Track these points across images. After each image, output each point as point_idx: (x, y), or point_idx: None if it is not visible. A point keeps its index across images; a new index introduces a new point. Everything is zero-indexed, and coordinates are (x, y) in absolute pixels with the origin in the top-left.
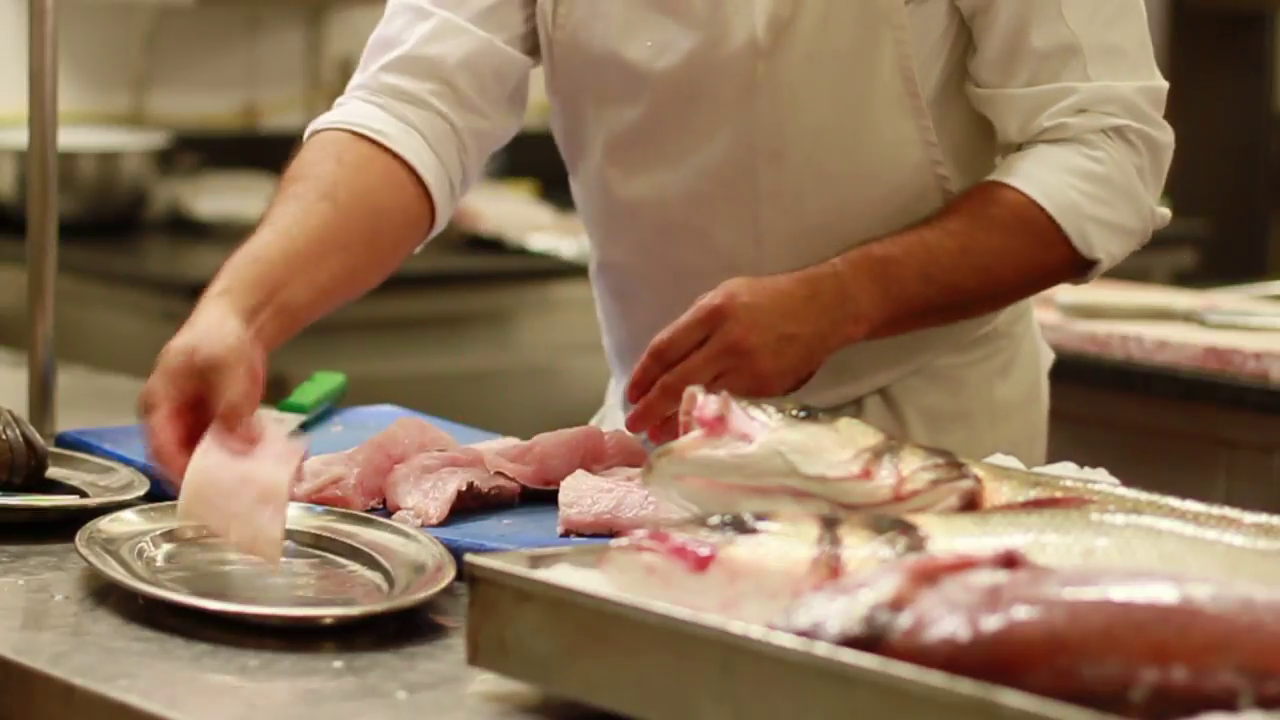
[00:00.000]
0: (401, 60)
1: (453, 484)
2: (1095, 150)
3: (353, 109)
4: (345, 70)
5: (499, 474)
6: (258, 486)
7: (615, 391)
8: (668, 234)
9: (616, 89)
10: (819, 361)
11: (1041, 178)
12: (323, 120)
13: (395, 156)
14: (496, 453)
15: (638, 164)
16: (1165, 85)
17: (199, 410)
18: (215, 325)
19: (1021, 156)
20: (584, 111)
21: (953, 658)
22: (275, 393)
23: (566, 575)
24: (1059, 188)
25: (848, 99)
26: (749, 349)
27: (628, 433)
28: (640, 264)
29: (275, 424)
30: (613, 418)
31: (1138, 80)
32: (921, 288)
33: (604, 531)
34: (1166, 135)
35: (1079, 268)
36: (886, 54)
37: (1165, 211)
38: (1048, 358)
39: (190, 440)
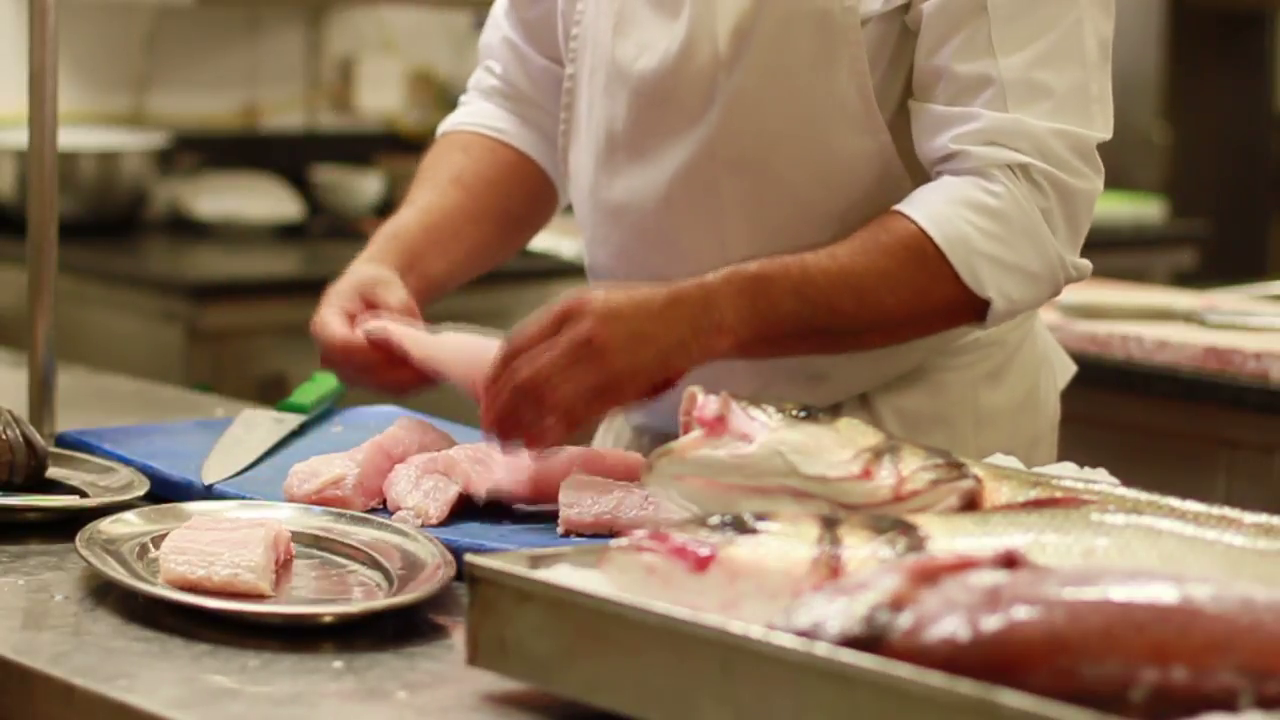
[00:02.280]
0: (492, 80)
1: (454, 488)
2: (994, 185)
3: (474, 109)
4: (345, 70)
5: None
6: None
7: None
8: (643, 239)
9: (606, 87)
10: (678, 369)
11: (935, 208)
12: (450, 121)
13: (514, 150)
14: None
15: (620, 167)
16: (1097, 137)
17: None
18: (371, 269)
19: (924, 187)
20: (580, 112)
21: (953, 658)
22: (275, 393)
23: (566, 575)
24: (950, 218)
25: (805, 112)
26: (600, 344)
27: (628, 453)
28: (621, 269)
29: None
30: (618, 427)
31: (1059, 123)
32: (794, 305)
33: (604, 531)
34: (1085, 184)
35: (974, 307)
36: (843, 70)
37: (1084, 263)
38: (1065, 368)
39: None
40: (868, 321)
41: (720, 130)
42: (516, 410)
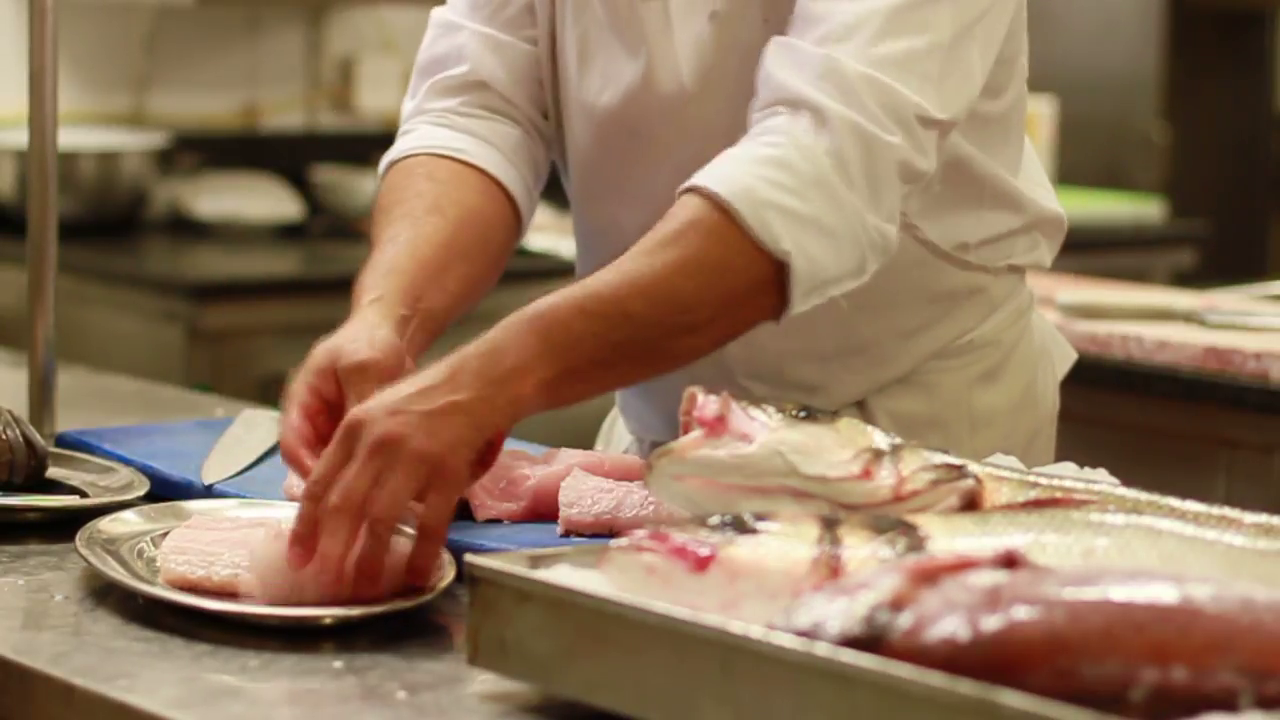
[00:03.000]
0: (452, 80)
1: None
2: (773, 136)
3: (423, 134)
4: (345, 70)
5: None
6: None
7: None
8: None
9: (575, 120)
10: (497, 425)
11: (720, 168)
12: (396, 151)
13: (479, 170)
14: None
15: (597, 194)
16: (919, 106)
17: (335, 412)
18: (366, 331)
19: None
20: (563, 134)
21: (953, 658)
22: (275, 393)
23: (566, 575)
24: (731, 175)
25: None
26: (396, 438)
27: (627, 456)
28: None
29: None
30: (619, 437)
31: (878, 73)
32: (586, 326)
33: (604, 531)
34: (892, 140)
35: (776, 277)
36: None
37: (888, 229)
38: (1065, 357)
39: (319, 440)
40: (671, 322)
41: (695, 161)
42: (343, 544)
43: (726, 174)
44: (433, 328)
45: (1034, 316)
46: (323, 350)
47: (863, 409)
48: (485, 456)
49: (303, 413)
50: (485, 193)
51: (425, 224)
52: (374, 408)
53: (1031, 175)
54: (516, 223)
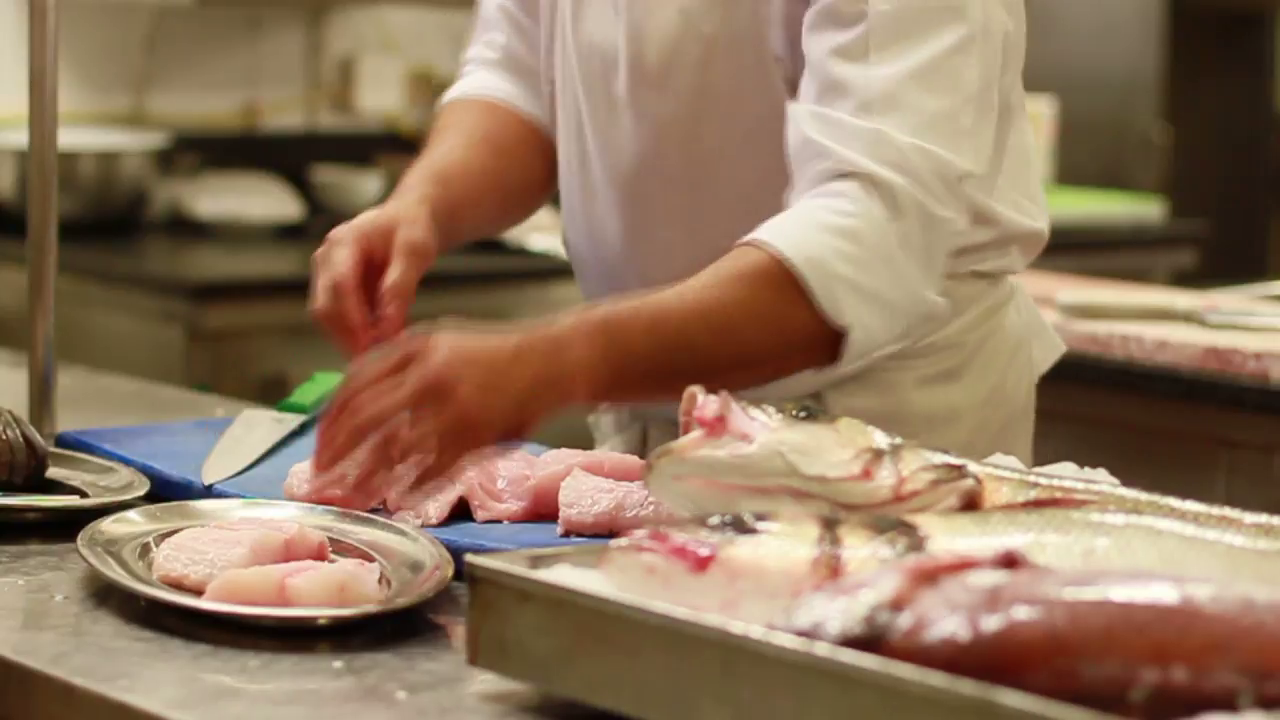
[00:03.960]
0: (494, 43)
1: (455, 491)
2: (849, 203)
3: (481, 79)
4: (345, 70)
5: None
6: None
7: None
8: (603, 238)
9: (564, 69)
10: (534, 416)
11: (789, 231)
12: (457, 90)
13: (527, 119)
14: (495, 477)
15: (574, 154)
16: (963, 169)
17: (373, 275)
18: (422, 218)
19: (777, 216)
20: (557, 113)
21: (953, 658)
22: (275, 393)
23: (566, 575)
24: (805, 240)
25: (736, 131)
26: (449, 386)
27: (626, 456)
28: (589, 255)
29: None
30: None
31: (923, 141)
32: (649, 345)
33: (604, 531)
34: (948, 213)
35: (830, 339)
36: (773, 91)
37: (942, 301)
38: (1050, 349)
39: (359, 306)
40: (727, 357)
41: (659, 146)
42: (353, 452)
43: (798, 239)
44: (450, 241)
45: (1012, 310)
46: (374, 215)
47: (819, 403)
48: (509, 436)
49: (350, 268)
50: (530, 137)
51: (477, 150)
52: (443, 345)
53: (1022, 190)
54: (552, 175)
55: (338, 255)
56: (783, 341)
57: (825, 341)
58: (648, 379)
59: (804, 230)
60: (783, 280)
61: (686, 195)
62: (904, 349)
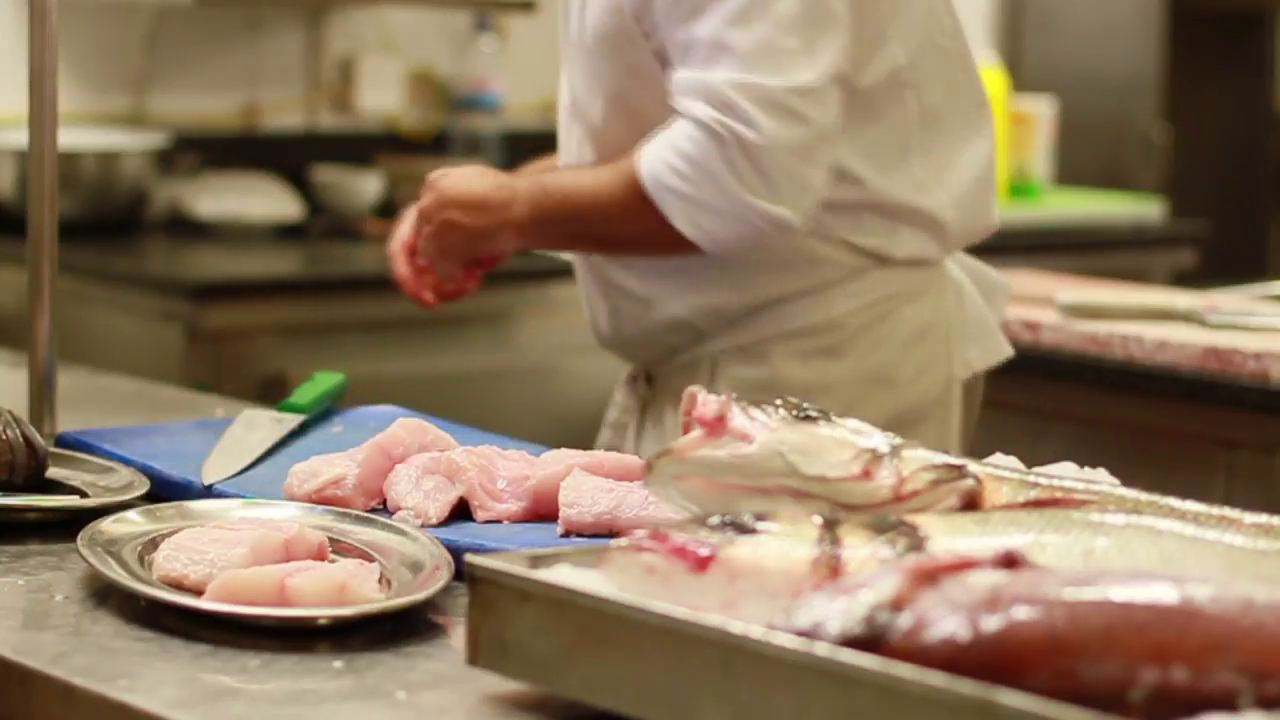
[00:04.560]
0: None
1: (455, 491)
2: (689, 140)
3: None
4: (345, 70)
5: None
6: None
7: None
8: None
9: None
10: (482, 251)
11: (649, 151)
12: None
13: None
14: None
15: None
16: (790, 85)
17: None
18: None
19: (659, 137)
20: None
21: (953, 658)
22: (275, 393)
23: (566, 575)
24: (655, 156)
25: (622, 102)
26: (426, 218)
27: (626, 456)
28: None
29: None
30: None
31: (742, 76)
32: (560, 214)
33: (604, 531)
34: (763, 136)
35: (679, 234)
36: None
37: (779, 212)
38: (989, 353)
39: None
40: (610, 235)
41: (572, 95)
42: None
43: (651, 157)
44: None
45: (925, 306)
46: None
47: (714, 370)
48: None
49: (399, 237)
50: None
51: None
52: (438, 183)
53: (933, 175)
54: None
55: (401, 226)
56: (645, 230)
57: (677, 235)
58: (556, 239)
59: (657, 151)
60: (638, 185)
61: (583, 131)
62: (785, 329)
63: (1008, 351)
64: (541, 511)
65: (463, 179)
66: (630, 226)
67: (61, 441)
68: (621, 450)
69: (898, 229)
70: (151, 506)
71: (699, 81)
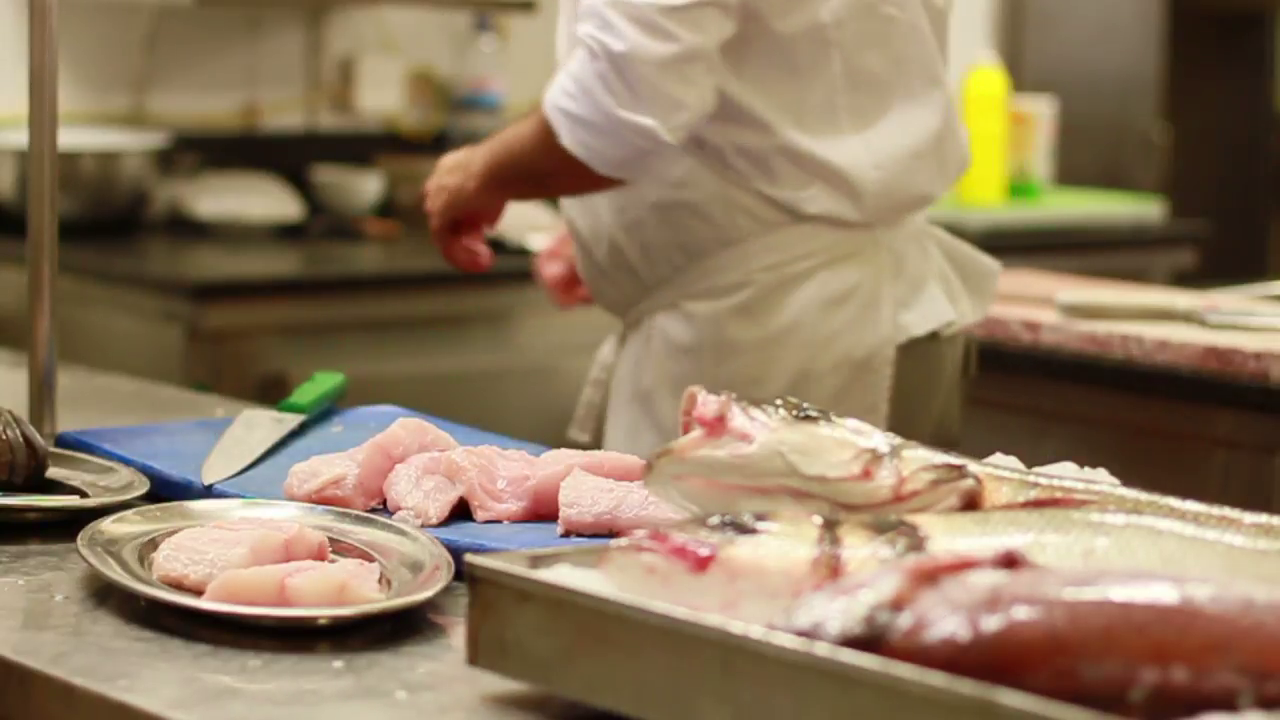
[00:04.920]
0: None
1: (455, 491)
2: (576, 61)
3: None
4: (345, 70)
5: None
6: None
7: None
8: None
9: None
10: (463, 210)
11: (556, 80)
12: None
13: None
14: (495, 478)
15: None
16: (666, 4)
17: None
18: None
19: None
20: None
21: (953, 658)
22: (275, 393)
23: (566, 575)
24: (554, 85)
25: None
26: (426, 190)
27: (626, 455)
28: None
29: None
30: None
31: None
32: (504, 160)
33: (604, 531)
34: (626, 45)
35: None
36: None
37: (643, 123)
38: (914, 322)
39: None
40: (539, 171)
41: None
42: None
43: (554, 82)
44: None
45: (851, 268)
46: None
47: (650, 332)
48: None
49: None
50: None
51: None
52: (441, 159)
53: (861, 136)
54: None
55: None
56: (560, 162)
57: (568, 155)
58: (509, 184)
59: (557, 78)
60: (542, 113)
61: None
62: (698, 286)
63: (949, 316)
64: (541, 511)
65: (454, 152)
66: (548, 160)
67: (61, 441)
68: (596, 404)
69: (810, 182)
70: (151, 506)
71: (588, 6)
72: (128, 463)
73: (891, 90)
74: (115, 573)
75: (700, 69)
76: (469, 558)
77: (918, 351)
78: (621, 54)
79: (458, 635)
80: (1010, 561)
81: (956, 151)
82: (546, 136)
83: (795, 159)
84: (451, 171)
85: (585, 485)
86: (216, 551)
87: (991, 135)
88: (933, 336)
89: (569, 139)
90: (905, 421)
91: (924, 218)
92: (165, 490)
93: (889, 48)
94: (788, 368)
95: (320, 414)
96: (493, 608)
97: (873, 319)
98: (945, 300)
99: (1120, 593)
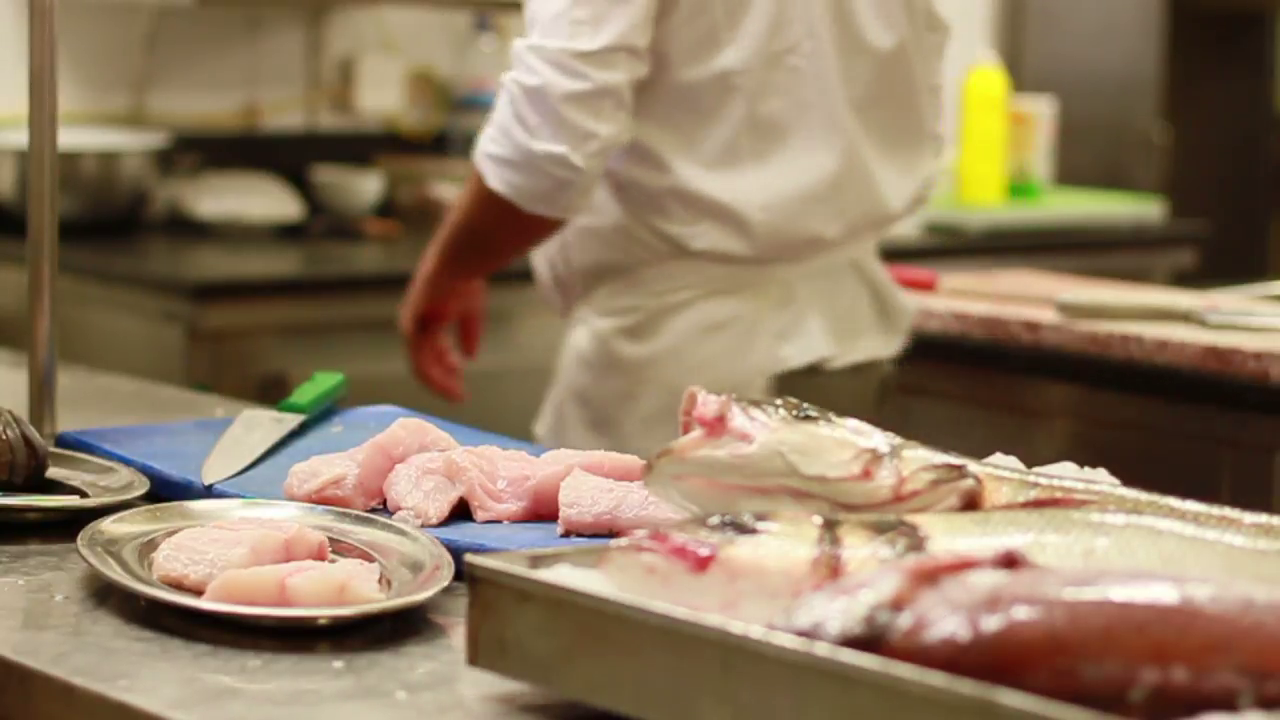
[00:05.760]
0: None
1: (455, 491)
2: (500, 95)
3: None
4: (345, 70)
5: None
6: None
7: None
8: None
9: None
10: (422, 295)
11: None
12: None
13: None
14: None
15: None
16: (578, 48)
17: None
18: None
19: None
20: None
21: (953, 658)
22: (275, 393)
23: (566, 575)
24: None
25: None
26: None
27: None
28: None
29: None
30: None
31: (539, 40)
32: (452, 239)
33: (604, 531)
34: (538, 80)
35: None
36: None
37: (556, 150)
38: (794, 354)
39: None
40: (483, 235)
41: None
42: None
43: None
44: None
45: (732, 302)
46: None
47: (568, 346)
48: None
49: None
50: None
51: None
52: None
53: (753, 176)
54: None
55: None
56: (493, 209)
57: (518, 213)
58: (461, 256)
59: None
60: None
61: None
62: (601, 306)
63: (825, 352)
64: (541, 511)
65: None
66: (484, 212)
67: (61, 441)
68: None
69: (699, 220)
70: (151, 506)
71: (514, 50)
72: (128, 463)
73: (793, 133)
74: (115, 573)
75: (610, 104)
76: (469, 558)
77: (798, 384)
78: (534, 88)
79: (458, 635)
80: (1010, 561)
81: (863, 196)
82: (479, 188)
83: (685, 199)
84: (415, 283)
85: (585, 485)
86: (216, 551)
87: (991, 135)
88: (812, 370)
89: (495, 180)
90: None
91: (864, 250)
92: (165, 490)
93: (792, 95)
94: (661, 388)
95: (320, 414)
96: (493, 608)
97: (747, 348)
98: (824, 336)
99: (1120, 593)
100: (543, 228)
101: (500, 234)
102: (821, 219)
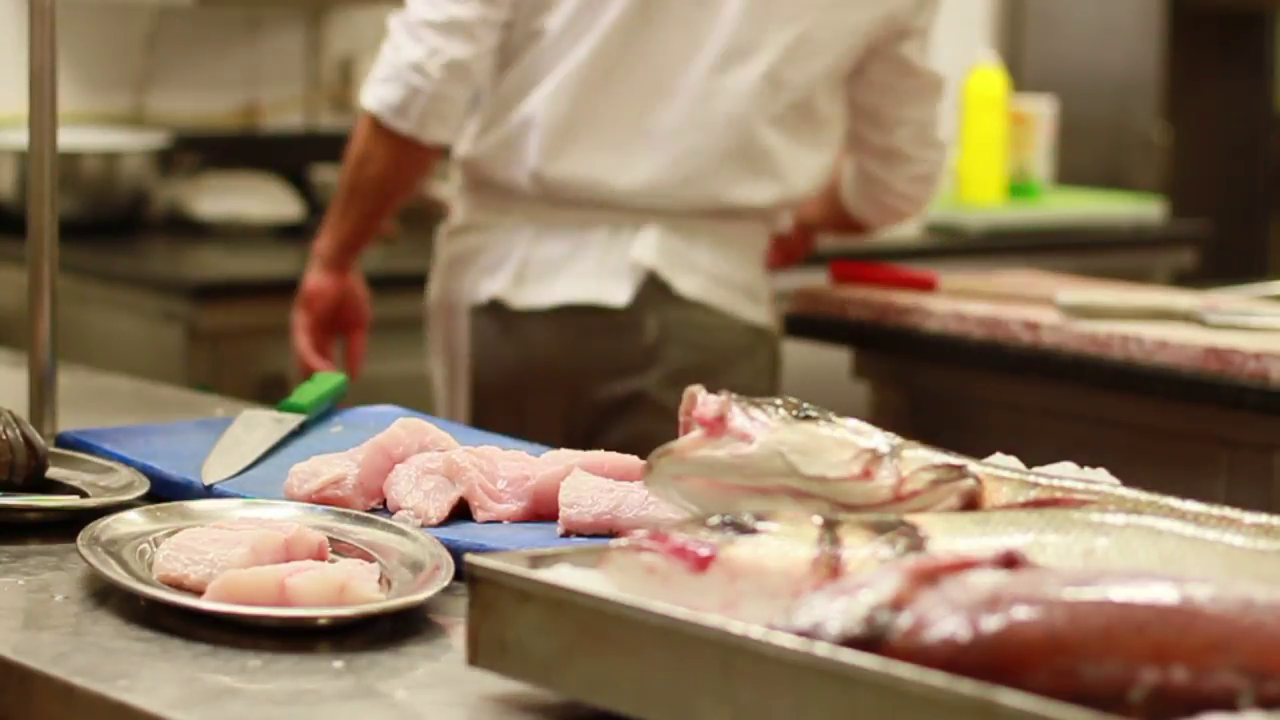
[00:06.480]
0: None
1: (455, 491)
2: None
3: None
4: (345, 70)
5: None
6: None
7: None
8: None
9: None
10: (315, 275)
11: None
12: None
13: None
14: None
15: None
16: (416, 17)
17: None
18: None
19: None
20: None
21: (953, 658)
22: (275, 393)
23: (566, 575)
24: None
25: None
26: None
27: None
28: None
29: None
30: None
31: (410, 6)
32: (341, 190)
33: (604, 531)
34: (407, 14)
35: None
36: None
37: (413, 57)
38: (480, 283)
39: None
40: (357, 158)
41: None
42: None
43: None
44: None
45: (461, 241)
46: None
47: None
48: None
49: None
50: None
51: None
52: None
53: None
54: None
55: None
56: (366, 137)
57: (385, 132)
58: (348, 208)
59: None
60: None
61: None
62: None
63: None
64: (541, 511)
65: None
66: (361, 145)
67: (61, 441)
68: None
69: (466, 194)
70: (151, 506)
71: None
72: (128, 463)
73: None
74: (115, 573)
75: (461, 34)
76: (469, 558)
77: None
78: (403, 16)
79: (458, 635)
80: (1010, 561)
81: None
82: (360, 125)
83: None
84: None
85: (585, 485)
86: (216, 551)
87: (991, 135)
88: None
89: (367, 99)
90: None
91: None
92: (165, 490)
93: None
94: (441, 333)
95: (320, 414)
96: (493, 608)
97: (460, 280)
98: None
99: (1120, 593)
100: (413, 156)
101: (376, 164)
102: (532, 156)
